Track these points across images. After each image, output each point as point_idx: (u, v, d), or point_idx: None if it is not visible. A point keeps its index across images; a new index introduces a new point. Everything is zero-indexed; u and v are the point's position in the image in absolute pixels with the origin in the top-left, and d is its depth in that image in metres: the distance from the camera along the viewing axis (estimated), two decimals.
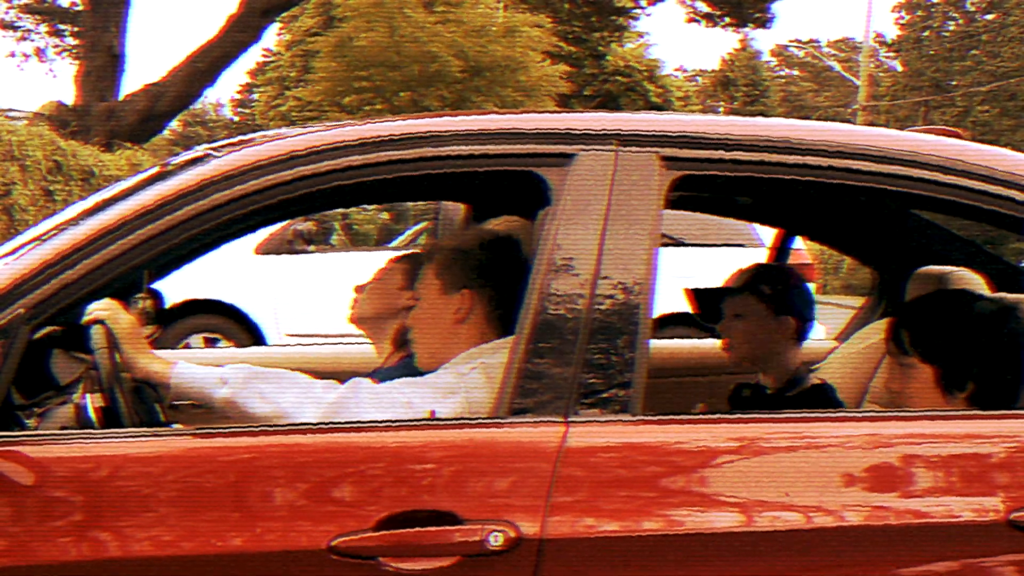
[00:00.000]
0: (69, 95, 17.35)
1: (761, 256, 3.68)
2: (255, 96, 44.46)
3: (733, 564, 1.89)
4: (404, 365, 2.62)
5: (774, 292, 2.94)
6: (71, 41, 25.18)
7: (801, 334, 2.98)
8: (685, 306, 3.13)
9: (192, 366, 2.16)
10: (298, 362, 3.44)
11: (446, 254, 2.42)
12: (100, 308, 2.10)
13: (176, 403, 2.66)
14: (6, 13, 25.02)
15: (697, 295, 3.09)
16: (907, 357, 2.36)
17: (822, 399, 2.89)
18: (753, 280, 2.97)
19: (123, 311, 2.12)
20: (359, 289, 3.06)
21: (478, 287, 2.35)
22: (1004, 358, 2.29)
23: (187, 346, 8.02)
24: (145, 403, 2.17)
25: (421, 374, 2.33)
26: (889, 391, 2.44)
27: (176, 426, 2.27)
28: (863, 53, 36.65)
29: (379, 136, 2.05)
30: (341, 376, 3.13)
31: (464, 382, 2.20)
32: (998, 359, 2.29)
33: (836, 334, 3.73)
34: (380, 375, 2.72)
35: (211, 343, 8.29)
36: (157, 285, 2.39)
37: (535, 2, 30.08)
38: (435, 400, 2.17)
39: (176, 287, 3.68)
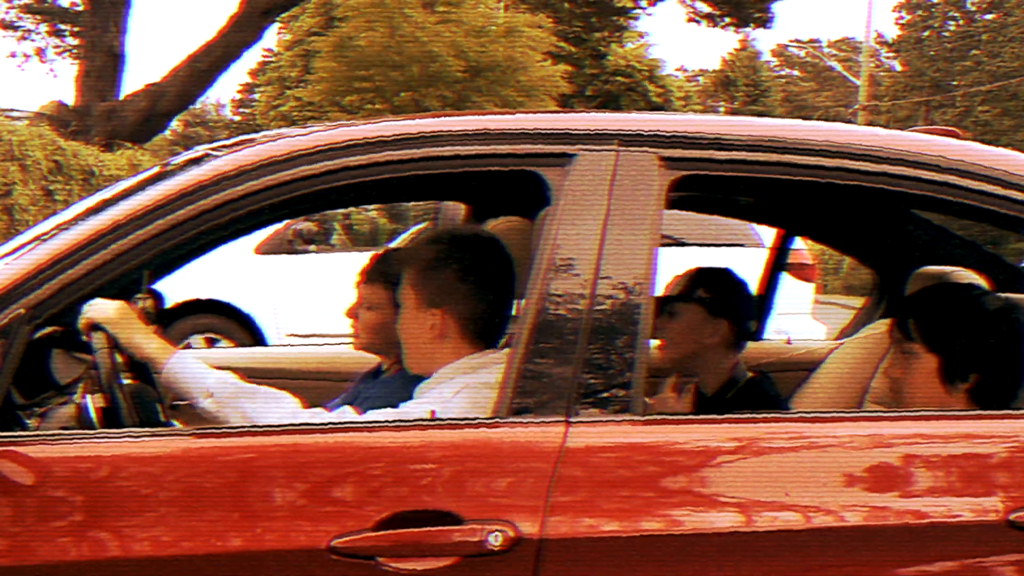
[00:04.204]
0: (69, 95, 17.36)
1: (761, 256, 3.68)
2: (256, 96, 44.46)
3: (733, 564, 1.89)
4: (402, 375, 2.61)
5: (711, 296, 2.96)
6: (71, 41, 25.16)
7: (738, 336, 3.01)
8: None
9: (187, 364, 2.15)
10: (298, 362, 3.45)
11: (417, 268, 2.35)
12: (89, 309, 2.10)
13: (176, 404, 2.67)
14: (6, 13, 25.02)
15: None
16: (911, 344, 2.37)
17: (758, 393, 2.91)
18: (692, 285, 2.99)
19: (111, 301, 2.12)
20: (351, 315, 3.04)
21: (452, 304, 2.31)
22: (1008, 355, 2.30)
23: (188, 346, 8.01)
24: (145, 403, 2.17)
25: (418, 381, 2.33)
26: (889, 377, 2.45)
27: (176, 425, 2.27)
28: (863, 53, 36.65)
29: (379, 136, 2.05)
30: (343, 376, 3.15)
31: (449, 407, 2.17)
32: (1003, 356, 2.30)
33: (836, 334, 3.73)
34: (380, 385, 2.72)
35: (211, 343, 8.29)
36: (157, 285, 2.39)
37: (535, 2, 30.08)
38: None
39: (176, 287, 3.68)
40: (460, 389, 2.21)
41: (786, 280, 3.70)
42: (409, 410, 2.21)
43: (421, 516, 1.84)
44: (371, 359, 3.10)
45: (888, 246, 3.45)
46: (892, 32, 50.62)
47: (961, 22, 42.31)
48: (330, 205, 5.20)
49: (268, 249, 8.55)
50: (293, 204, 2.09)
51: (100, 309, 2.10)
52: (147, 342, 2.13)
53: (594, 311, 1.96)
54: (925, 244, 3.29)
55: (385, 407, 2.22)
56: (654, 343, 3.08)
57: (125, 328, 2.11)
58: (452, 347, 2.32)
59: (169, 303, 2.46)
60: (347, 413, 2.19)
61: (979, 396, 2.30)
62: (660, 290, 3.04)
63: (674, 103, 35.82)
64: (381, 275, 2.92)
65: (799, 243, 5.82)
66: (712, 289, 2.99)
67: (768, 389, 2.96)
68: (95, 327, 2.10)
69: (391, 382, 2.76)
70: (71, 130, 14.42)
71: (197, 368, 2.15)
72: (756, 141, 2.11)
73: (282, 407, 2.15)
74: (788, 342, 3.56)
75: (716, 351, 2.97)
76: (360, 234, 11.88)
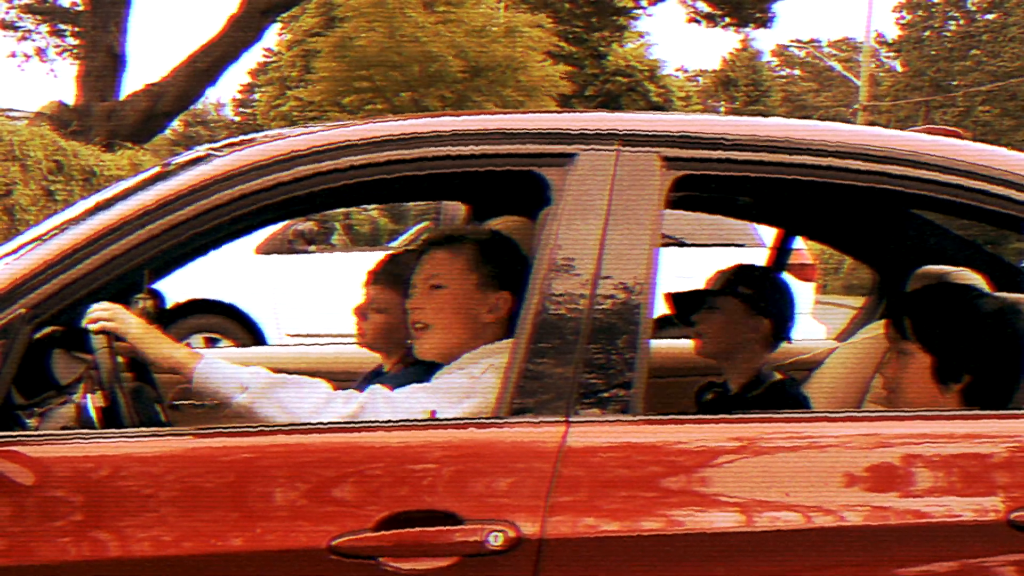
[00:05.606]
0: (70, 95, 17.37)
1: (761, 256, 3.68)
2: (256, 96, 44.51)
3: (733, 564, 1.89)
4: (407, 372, 2.61)
5: (753, 293, 2.96)
6: (72, 41, 25.18)
7: (776, 336, 3.00)
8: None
9: (216, 364, 2.16)
10: (299, 362, 3.44)
11: (480, 250, 2.37)
12: (102, 315, 2.09)
13: (176, 403, 2.67)
14: (7, 13, 25.04)
15: (676, 299, 3.08)
16: (906, 344, 2.37)
17: (783, 395, 2.91)
18: (733, 280, 2.99)
19: (125, 311, 2.12)
20: (357, 312, 3.04)
21: (516, 290, 2.31)
22: (1003, 357, 2.30)
23: (188, 346, 8.00)
24: (145, 403, 2.17)
25: (427, 377, 2.32)
26: (883, 376, 2.45)
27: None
28: (864, 53, 36.62)
29: (380, 136, 2.05)
30: (344, 376, 3.15)
31: (478, 384, 2.18)
32: (997, 357, 2.30)
33: (836, 334, 3.73)
34: (388, 381, 2.72)
35: (211, 343, 8.29)
36: (157, 285, 2.39)
37: (536, 2, 30.09)
38: (452, 403, 2.16)
39: (176, 287, 3.69)
40: (487, 366, 2.21)
41: (786, 280, 3.69)
42: (441, 383, 2.22)
43: (422, 516, 1.84)
44: (371, 360, 3.10)
45: (888, 246, 3.45)
46: (892, 32, 50.73)
47: (961, 22, 42.34)
48: (330, 205, 5.20)
49: (268, 249, 8.55)
50: (293, 204, 2.09)
51: (120, 323, 2.09)
52: (173, 351, 2.15)
53: (594, 311, 1.96)
54: (925, 244, 3.29)
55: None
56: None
57: (148, 341, 2.12)
58: (492, 333, 2.33)
59: (169, 303, 2.46)
60: (377, 391, 2.19)
61: (972, 397, 2.30)
62: (702, 283, 3.05)
63: (674, 103, 35.84)
64: (391, 277, 2.91)
65: (799, 243, 5.82)
66: (754, 286, 2.98)
67: (795, 392, 2.94)
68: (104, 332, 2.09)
69: (396, 379, 2.75)
70: (71, 130, 14.42)
71: (227, 367, 2.16)
72: (756, 141, 2.11)
73: (316, 392, 2.16)
74: (789, 342, 3.55)
75: (751, 348, 2.97)
76: (360, 234, 11.89)
